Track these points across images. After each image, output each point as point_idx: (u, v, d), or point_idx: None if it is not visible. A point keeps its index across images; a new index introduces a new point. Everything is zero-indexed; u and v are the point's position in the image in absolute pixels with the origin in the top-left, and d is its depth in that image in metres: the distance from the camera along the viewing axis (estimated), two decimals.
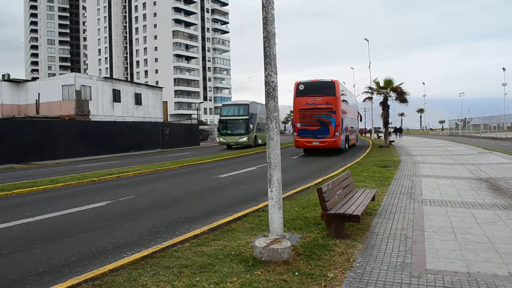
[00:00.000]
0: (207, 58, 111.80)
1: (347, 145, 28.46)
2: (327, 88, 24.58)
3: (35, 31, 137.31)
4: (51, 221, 8.57)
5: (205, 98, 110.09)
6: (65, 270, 5.34)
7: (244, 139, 37.65)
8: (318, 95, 24.51)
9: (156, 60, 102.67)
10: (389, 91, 32.04)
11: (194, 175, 16.72)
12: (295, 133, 25.70)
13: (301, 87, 24.91)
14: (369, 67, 55.02)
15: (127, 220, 8.43)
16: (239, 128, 37.93)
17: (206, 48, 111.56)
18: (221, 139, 39.21)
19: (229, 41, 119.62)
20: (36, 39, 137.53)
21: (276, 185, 5.57)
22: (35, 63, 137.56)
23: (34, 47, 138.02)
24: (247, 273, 4.82)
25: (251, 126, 37.91)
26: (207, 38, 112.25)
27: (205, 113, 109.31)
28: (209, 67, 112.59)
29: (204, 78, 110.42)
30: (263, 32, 5.67)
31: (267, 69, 5.67)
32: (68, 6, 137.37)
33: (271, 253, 5.16)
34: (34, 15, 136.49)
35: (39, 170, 21.04)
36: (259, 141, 39.97)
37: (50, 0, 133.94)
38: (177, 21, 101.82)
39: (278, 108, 5.69)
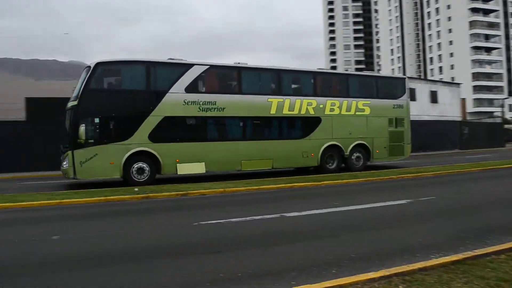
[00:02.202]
0: (511, 48, 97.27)
1: None
2: None
3: (333, 38, 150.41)
4: (355, 212, 9.24)
5: (510, 93, 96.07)
6: (375, 260, 5.62)
7: (65, 165, 14.36)
8: None
9: (451, 55, 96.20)
10: None
11: (500, 181, 14.87)
12: None
13: None
14: None
15: (429, 220, 8.28)
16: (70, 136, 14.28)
17: (510, 36, 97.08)
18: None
19: None
20: (334, 46, 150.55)
21: None
22: (333, 68, 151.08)
23: (333, 53, 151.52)
24: None
25: (87, 130, 13.94)
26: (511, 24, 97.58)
27: (511, 110, 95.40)
28: None
29: (509, 70, 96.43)
30: None
31: None
32: (361, 12, 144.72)
33: None
34: (331, 24, 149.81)
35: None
36: (177, 168, 15.16)
37: (345, 8, 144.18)
38: (474, 10, 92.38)
39: None
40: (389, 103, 19.91)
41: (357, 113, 18.82)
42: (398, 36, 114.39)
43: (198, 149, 15.47)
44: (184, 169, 15.17)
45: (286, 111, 17.15)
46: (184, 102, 15.27)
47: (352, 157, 18.72)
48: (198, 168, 15.40)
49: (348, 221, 8.38)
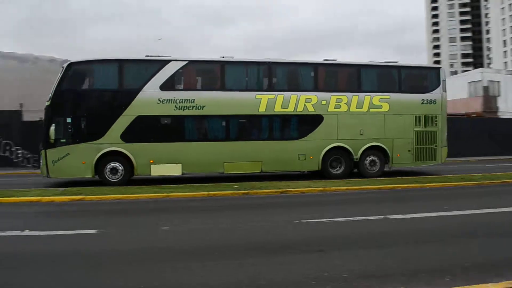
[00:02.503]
0: None
1: None
2: None
3: (437, 31, 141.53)
4: (466, 218, 8.62)
5: None
6: (491, 271, 5.18)
7: (40, 163, 15.11)
8: None
9: None
10: None
11: None
12: None
13: None
14: None
15: None
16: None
17: None
18: None
19: None
20: (438, 39, 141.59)
21: None
22: (437, 62, 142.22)
23: (436, 47, 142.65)
24: None
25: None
26: None
27: None
28: None
29: None
30: None
31: None
32: (468, 1, 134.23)
33: None
34: (435, 16, 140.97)
35: (448, 167, 21.55)
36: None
37: None
38: None
39: None
40: (416, 98, 16.68)
41: (371, 110, 16.10)
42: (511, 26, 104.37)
43: (174, 150, 14.74)
44: (159, 170, 14.70)
45: (278, 109, 15.39)
46: (159, 100, 14.59)
47: (366, 161, 16.18)
48: (174, 169, 14.77)
49: (458, 227, 7.83)
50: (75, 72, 14.54)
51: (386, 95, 16.32)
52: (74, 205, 10.74)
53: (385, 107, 16.23)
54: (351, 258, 5.78)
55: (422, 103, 16.63)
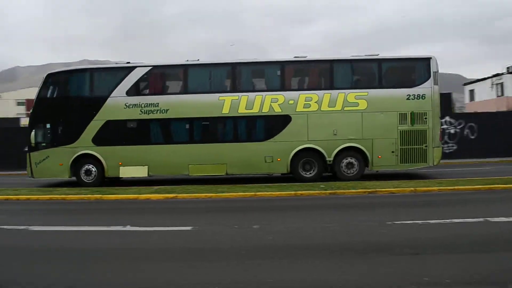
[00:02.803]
0: None
1: None
2: None
3: None
4: None
5: None
6: None
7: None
8: None
9: None
10: None
11: None
12: None
13: None
14: None
15: None
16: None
17: None
18: None
19: None
20: None
21: None
22: None
23: None
24: None
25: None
26: None
27: None
28: None
29: None
30: None
31: None
32: None
33: None
34: None
35: None
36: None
37: None
38: None
39: None
40: (400, 93, 14.93)
41: (346, 108, 14.81)
42: None
43: (140, 153, 15.23)
44: (127, 172, 15.40)
45: (242, 110, 14.96)
46: (126, 105, 15.21)
47: (342, 164, 14.89)
48: (141, 171, 15.28)
49: None
50: (52, 82, 15.95)
51: (363, 92, 15.05)
52: (169, 203, 11.50)
53: (363, 105, 14.92)
54: (450, 263, 5.52)
55: (408, 99, 14.90)
